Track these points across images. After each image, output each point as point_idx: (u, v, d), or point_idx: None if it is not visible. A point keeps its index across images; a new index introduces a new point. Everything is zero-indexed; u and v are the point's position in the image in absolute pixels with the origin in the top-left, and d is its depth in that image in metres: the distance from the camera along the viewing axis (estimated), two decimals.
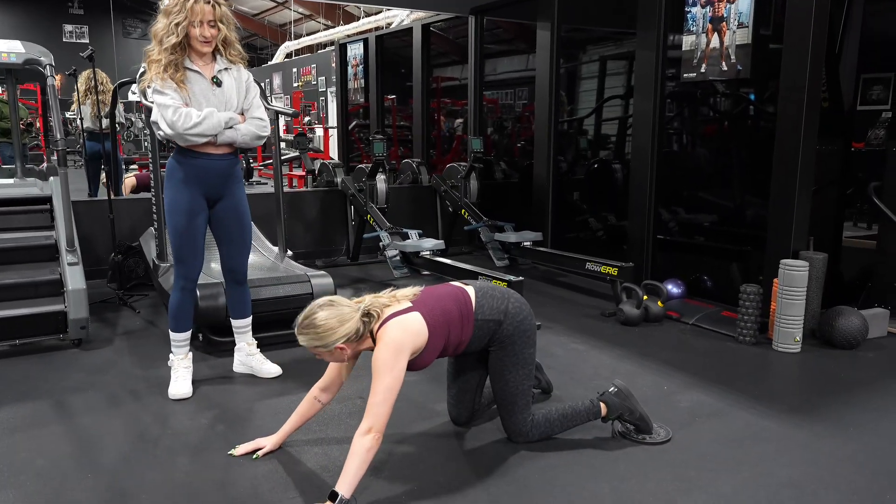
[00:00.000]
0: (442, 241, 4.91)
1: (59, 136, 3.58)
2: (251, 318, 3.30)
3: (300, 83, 17.80)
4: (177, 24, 2.77)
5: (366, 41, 8.68)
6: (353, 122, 9.24)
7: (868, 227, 5.57)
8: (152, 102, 2.82)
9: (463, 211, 5.87)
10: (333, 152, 11.22)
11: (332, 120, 14.10)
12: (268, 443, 2.54)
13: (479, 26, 6.52)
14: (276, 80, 19.18)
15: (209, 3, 2.81)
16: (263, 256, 4.51)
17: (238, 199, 3.03)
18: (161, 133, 2.84)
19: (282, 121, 6.73)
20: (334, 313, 2.19)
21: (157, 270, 4.15)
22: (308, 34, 20.32)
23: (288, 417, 2.54)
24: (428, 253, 4.81)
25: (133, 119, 14.79)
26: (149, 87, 2.82)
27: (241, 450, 2.52)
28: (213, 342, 3.62)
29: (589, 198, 5.80)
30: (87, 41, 21.67)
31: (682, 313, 4.26)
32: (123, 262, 4.80)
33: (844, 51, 4.44)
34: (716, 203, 4.75)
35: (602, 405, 2.62)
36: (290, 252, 4.57)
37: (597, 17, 5.75)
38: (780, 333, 3.68)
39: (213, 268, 4.23)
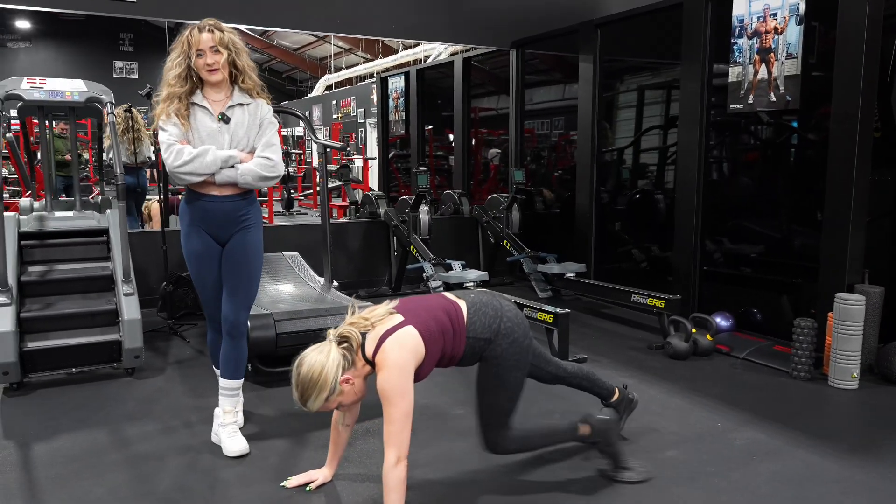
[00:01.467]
0: (485, 273, 4.91)
1: (118, 170, 3.70)
2: (241, 381, 2.89)
3: (339, 115, 18.16)
4: (177, 57, 2.66)
5: (407, 74, 8.81)
6: (392, 153, 9.36)
7: None
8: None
9: (505, 242, 5.88)
10: (373, 182, 11.35)
11: (372, 150, 14.29)
12: (320, 475, 2.55)
13: (521, 59, 6.58)
14: (316, 112, 19.58)
15: (208, 30, 2.66)
16: (309, 287, 4.56)
17: (245, 243, 2.76)
18: (171, 172, 2.67)
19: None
20: (311, 359, 2.09)
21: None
22: (347, 67, 20.73)
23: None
24: (472, 284, 4.81)
25: None
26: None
27: (293, 482, 2.54)
28: (261, 372, 3.66)
29: (631, 228, 5.76)
30: (137, 77, 22.40)
31: (732, 347, 4.18)
32: (174, 291, 4.89)
33: None
34: (763, 234, 4.67)
35: (586, 427, 2.54)
36: (335, 283, 4.62)
37: (637, 48, 5.77)
38: (836, 369, 3.58)
39: (260, 299, 4.30)
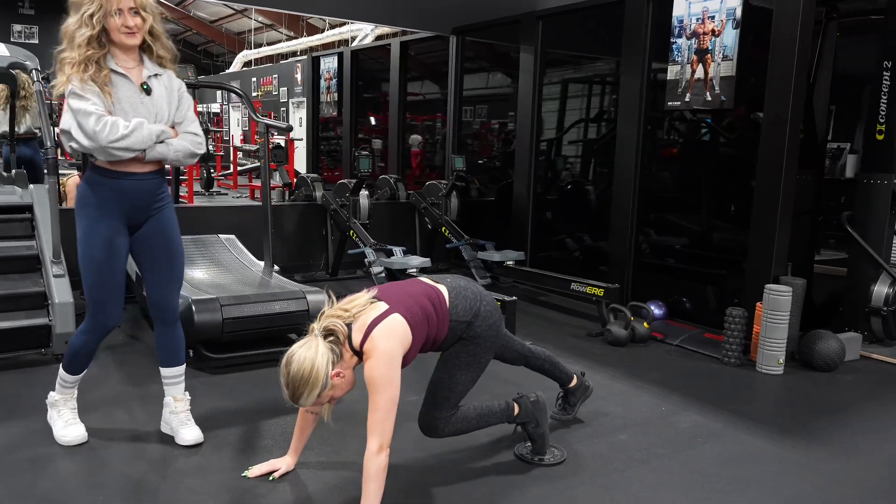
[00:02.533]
0: (427, 259, 4.92)
1: (48, 143, 3.47)
2: (184, 366, 2.77)
3: (259, 92, 17.60)
4: (91, 15, 2.41)
5: (340, 55, 8.67)
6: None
7: (838, 254, 5.83)
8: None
9: (444, 229, 5.90)
10: (300, 164, 11.12)
11: (299, 129, 14.00)
12: (282, 464, 2.50)
13: (461, 46, 6.60)
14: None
15: None
16: (251, 271, 4.44)
17: (167, 220, 2.61)
18: (75, 145, 2.42)
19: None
20: (300, 356, 2.04)
21: (140, 282, 4.03)
22: (269, 44, 20.10)
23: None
24: (414, 270, 4.81)
25: None
26: (66, 91, 2.43)
27: (255, 472, 2.48)
28: (205, 358, 3.55)
29: (563, 218, 5.91)
30: (37, 41, 20.88)
31: (666, 334, 4.38)
32: None
33: (817, 83, 4.67)
34: (691, 228, 4.92)
35: (516, 406, 2.61)
36: (276, 267, 4.52)
37: (578, 42, 5.90)
38: (763, 356, 3.82)
39: (198, 279, 4.16)
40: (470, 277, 5.56)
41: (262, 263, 4.54)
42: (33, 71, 3.76)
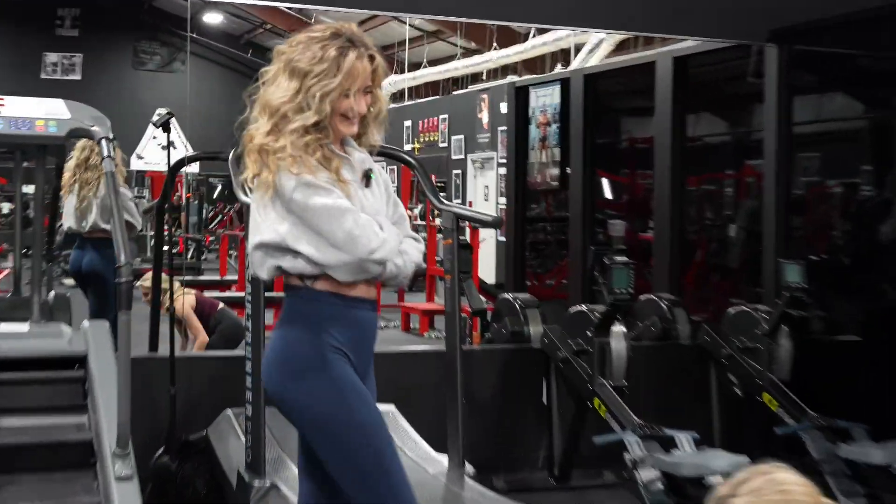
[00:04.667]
0: (744, 458, 4.65)
1: (122, 255, 3.68)
2: None
3: (416, 145, 18.45)
4: (324, 96, 2.90)
5: (564, 83, 8.88)
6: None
7: None
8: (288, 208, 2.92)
9: (766, 396, 5.61)
10: (487, 268, 11.31)
11: (485, 205, 14.37)
12: None
13: (786, 60, 6.56)
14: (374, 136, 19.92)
15: (372, 57, 2.98)
16: (424, 473, 4.56)
17: (372, 383, 3.20)
18: (301, 264, 2.91)
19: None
20: None
21: (248, 492, 4.15)
22: (430, 63, 21.12)
23: None
24: (719, 478, 4.55)
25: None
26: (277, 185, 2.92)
27: None
28: None
29: None
30: (80, 77, 23.72)
31: None
32: (179, 468, 4.86)
33: None
34: None
35: None
36: (469, 467, 4.48)
37: None
38: None
39: None
40: (824, 489, 5.17)
41: (443, 459, 4.60)
42: (103, 141, 4.10)
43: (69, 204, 7.31)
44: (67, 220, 7.39)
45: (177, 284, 7.30)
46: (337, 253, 2.84)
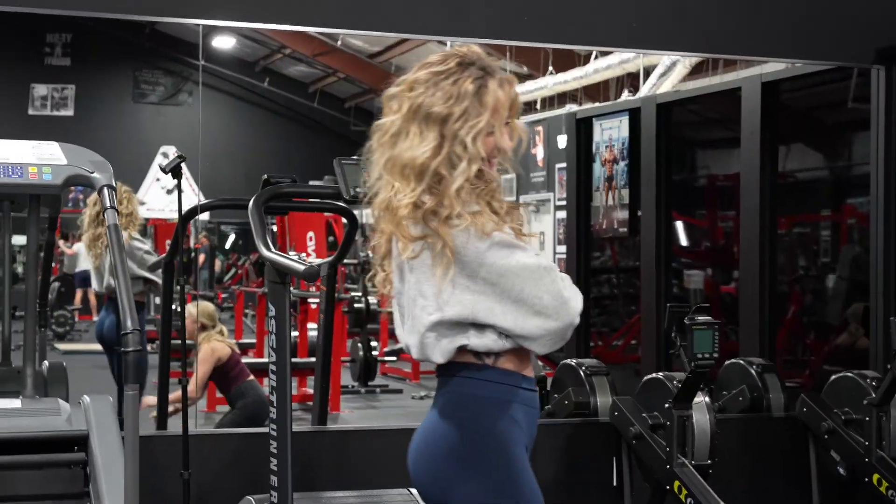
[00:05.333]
0: None
1: (129, 321, 3.73)
2: None
3: None
4: (475, 136, 2.86)
5: (634, 113, 8.93)
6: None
7: None
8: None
9: (875, 477, 5.57)
10: None
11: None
12: None
13: (895, 83, 6.55)
14: None
15: (510, 82, 2.96)
16: None
17: None
18: (517, 330, 2.85)
19: None
20: None
21: None
22: None
23: None
24: None
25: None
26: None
27: None
28: None
29: None
30: (72, 113, 23.96)
31: None
32: None
33: None
34: None
35: None
36: None
37: None
38: None
39: None
40: None
41: None
42: (105, 190, 4.15)
43: (90, 264, 7.50)
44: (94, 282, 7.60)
45: (219, 325, 7.39)
46: (544, 321, 2.83)
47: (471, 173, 2.83)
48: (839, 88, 7.69)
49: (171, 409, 7.23)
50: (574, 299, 2.90)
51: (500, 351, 2.86)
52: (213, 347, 7.33)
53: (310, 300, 10.76)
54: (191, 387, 7.21)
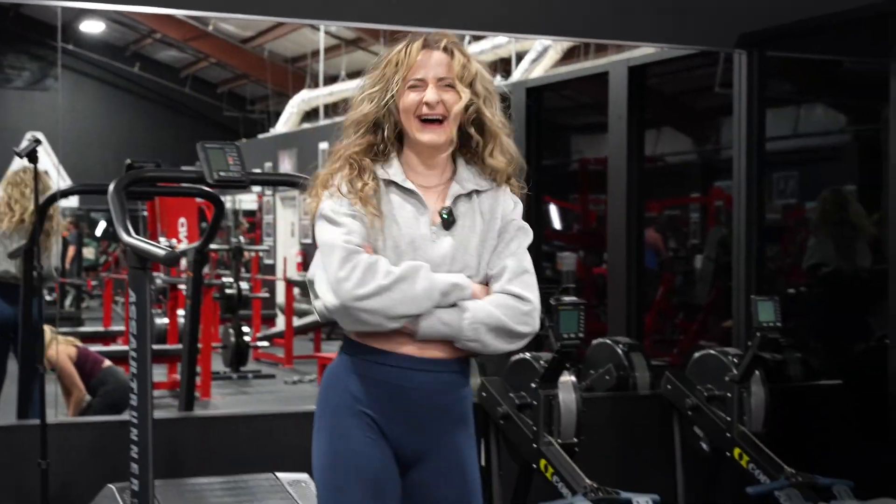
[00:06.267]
0: None
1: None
2: None
3: None
4: (382, 83, 2.87)
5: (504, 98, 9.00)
6: None
7: None
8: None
9: (737, 451, 5.72)
10: None
11: None
12: None
13: (756, 67, 6.70)
14: (286, 164, 19.90)
15: (443, 48, 2.86)
16: None
17: (463, 464, 2.98)
18: (319, 304, 2.86)
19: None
20: None
21: None
22: (349, 76, 21.13)
23: None
24: None
25: None
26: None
27: None
28: None
29: None
30: None
31: None
32: None
33: None
34: None
35: None
36: None
37: None
38: None
39: None
40: None
41: None
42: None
43: None
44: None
45: (49, 333, 7.28)
46: (328, 296, 2.77)
47: (357, 114, 2.90)
48: (707, 74, 7.82)
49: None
50: (350, 281, 2.70)
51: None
52: (61, 350, 7.30)
53: (180, 286, 10.65)
54: (74, 396, 7.25)
